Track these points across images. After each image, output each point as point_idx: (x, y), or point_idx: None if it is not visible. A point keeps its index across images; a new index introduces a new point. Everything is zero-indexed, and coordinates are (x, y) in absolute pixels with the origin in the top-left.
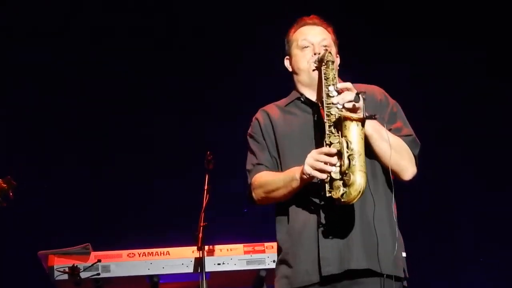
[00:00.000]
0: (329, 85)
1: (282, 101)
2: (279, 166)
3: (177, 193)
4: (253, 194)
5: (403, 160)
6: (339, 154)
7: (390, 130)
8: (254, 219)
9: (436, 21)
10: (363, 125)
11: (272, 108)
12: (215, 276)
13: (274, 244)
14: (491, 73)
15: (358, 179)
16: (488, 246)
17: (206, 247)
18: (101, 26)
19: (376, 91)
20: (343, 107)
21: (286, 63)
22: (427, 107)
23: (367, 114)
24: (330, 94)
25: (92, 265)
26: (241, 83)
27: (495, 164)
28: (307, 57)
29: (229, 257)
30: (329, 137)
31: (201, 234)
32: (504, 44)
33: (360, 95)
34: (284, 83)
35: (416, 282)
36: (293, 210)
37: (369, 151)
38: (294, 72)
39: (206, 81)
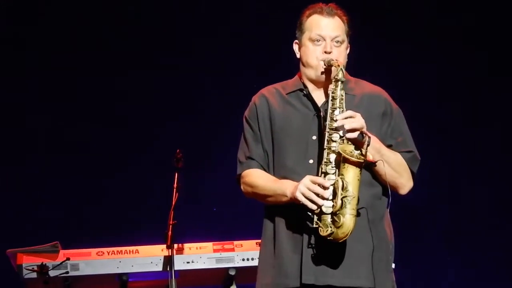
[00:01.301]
0: (335, 108)
1: (284, 86)
2: (271, 160)
3: (146, 191)
4: (242, 187)
5: (401, 178)
6: (333, 190)
7: (390, 146)
8: (223, 218)
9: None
10: (361, 168)
11: (272, 94)
12: (184, 274)
13: (244, 243)
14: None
15: (348, 222)
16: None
17: (175, 246)
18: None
19: (380, 98)
20: (345, 137)
21: (295, 47)
22: None
23: (367, 159)
24: (335, 118)
25: (61, 263)
26: (210, 80)
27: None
28: (317, 53)
29: (199, 255)
30: (326, 165)
31: (170, 232)
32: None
33: (364, 135)
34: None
35: None
36: (283, 213)
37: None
38: (301, 63)
39: (174, 79)
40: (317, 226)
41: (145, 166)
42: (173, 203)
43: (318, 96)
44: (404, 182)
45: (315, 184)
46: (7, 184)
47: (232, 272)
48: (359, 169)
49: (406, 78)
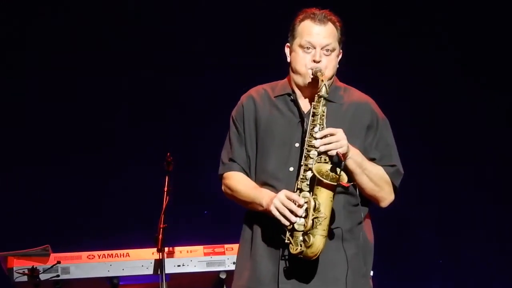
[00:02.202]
0: (315, 125)
1: (273, 87)
2: (252, 164)
3: (137, 195)
4: (222, 187)
5: (382, 192)
6: (307, 212)
7: (374, 159)
8: (214, 221)
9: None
10: (334, 190)
11: (261, 95)
12: (175, 278)
13: (234, 246)
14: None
15: (317, 243)
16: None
17: (166, 249)
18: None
19: (367, 110)
20: (324, 153)
21: (287, 51)
22: None
23: (340, 183)
24: (314, 135)
25: (52, 266)
26: (204, 85)
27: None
28: (306, 61)
29: (189, 258)
30: (302, 182)
31: (161, 235)
32: None
33: (340, 159)
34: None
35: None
36: (262, 219)
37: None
38: (291, 67)
39: (167, 83)
40: (288, 242)
41: (136, 169)
42: (164, 206)
43: (305, 102)
44: (385, 196)
45: (290, 200)
46: None
47: (223, 276)
48: (332, 191)
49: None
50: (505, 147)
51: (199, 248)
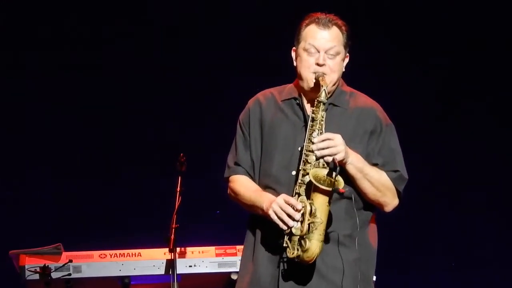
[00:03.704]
0: (314, 130)
1: (280, 91)
2: (257, 168)
3: (149, 195)
4: (228, 190)
5: (384, 197)
6: (303, 216)
7: (377, 164)
8: (226, 222)
9: None
10: (330, 196)
11: (268, 99)
12: (186, 278)
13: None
14: None
15: (313, 247)
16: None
17: (178, 249)
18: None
19: (371, 115)
20: (320, 158)
21: (293, 55)
22: None
23: (336, 188)
24: (313, 140)
25: (64, 265)
26: (217, 86)
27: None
28: (309, 63)
29: (201, 259)
30: (300, 187)
31: (173, 236)
32: None
33: (335, 165)
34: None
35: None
36: (265, 222)
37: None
38: (296, 71)
39: (179, 81)
40: (286, 246)
41: (149, 169)
42: (176, 206)
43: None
44: (388, 201)
45: (288, 204)
46: (10, 185)
47: (234, 277)
48: (328, 196)
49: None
50: None
51: (211, 249)
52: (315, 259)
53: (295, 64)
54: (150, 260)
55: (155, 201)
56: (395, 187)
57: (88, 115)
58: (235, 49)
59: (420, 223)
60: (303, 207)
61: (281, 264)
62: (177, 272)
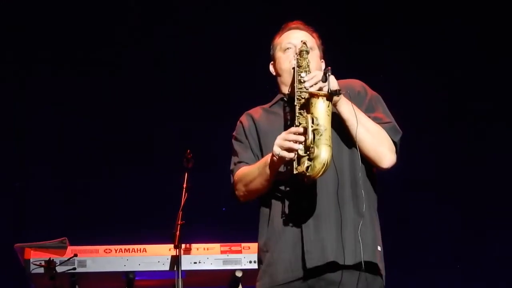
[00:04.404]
0: (301, 72)
1: (267, 104)
2: None
3: (155, 191)
4: (236, 192)
5: (381, 146)
6: (306, 130)
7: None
8: (232, 219)
9: None
10: (330, 100)
11: (257, 111)
12: (191, 274)
13: (251, 245)
14: None
15: (323, 152)
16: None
17: (183, 246)
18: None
19: (355, 84)
20: (313, 88)
21: (271, 68)
22: None
23: (332, 89)
24: (301, 80)
25: (69, 259)
26: (226, 83)
27: None
28: (290, 58)
29: (206, 256)
30: (298, 118)
31: (178, 232)
32: None
33: (326, 74)
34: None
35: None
36: (274, 211)
37: (348, 141)
38: (277, 74)
39: (185, 80)
40: (296, 172)
41: (155, 165)
42: (182, 203)
43: None
44: (385, 152)
45: (289, 133)
46: (15, 178)
47: (239, 274)
48: (327, 104)
49: None
50: None
51: (216, 246)
52: (328, 164)
53: (274, 73)
54: (155, 256)
55: (161, 197)
56: (390, 137)
57: (95, 110)
58: (242, 47)
59: (426, 224)
60: (304, 127)
61: (305, 241)
62: (182, 269)
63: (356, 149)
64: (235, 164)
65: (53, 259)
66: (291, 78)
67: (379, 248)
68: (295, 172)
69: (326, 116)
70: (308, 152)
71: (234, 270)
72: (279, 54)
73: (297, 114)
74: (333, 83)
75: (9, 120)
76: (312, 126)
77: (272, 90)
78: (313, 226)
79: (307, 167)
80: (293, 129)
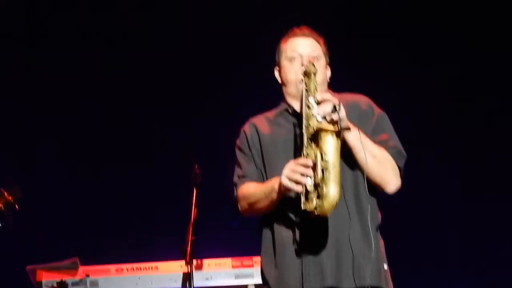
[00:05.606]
0: (309, 96)
1: (271, 112)
2: (264, 177)
3: (165, 207)
4: (239, 206)
5: (386, 172)
6: (315, 166)
7: (374, 142)
8: (242, 233)
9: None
10: (338, 137)
11: (260, 120)
12: None
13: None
14: None
15: (331, 191)
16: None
17: (194, 262)
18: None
19: (361, 100)
20: (323, 118)
21: (276, 73)
22: None
23: (342, 126)
24: (310, 106)
25: (80, 280)
26: (231, 95)
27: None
28: (295, 68)
29: (218, 271)
30: (307, 148)
31: (189, 248)
32: None
33: (337, 107)
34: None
35: None
36: (276, 228)
37: (352, 162)
38: (282, 83)
39: (192, 92)
40: (304, 208)
41: (164, 181)
42: (192, 219)
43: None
44: (391, 177)
45: (298, 165)
46: (25, 199)
47: None
48: (336, 139)
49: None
50: None
51: (227, 261)
52: (336, 203)
53: (279, 81)
54: (167, 273)
55: (170, 213)
56: (395, 162)
57: (105, 130)
58: (250, 62)
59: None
60: (314, 161)
61: (304, 264)
62: (194, 285)
63: (360, 173)
64: (238, 177)
65: (65, 281)
66: (296, 90)
67: (385, 266)
68: (303, 207)
69: (335, 152)
70: (316, 189)
71: (247, 285)
72: (284, 63)
73: (305, 144)
74: (343, 115)
75: (18, 135)
76: (321, 163)
77: (276, 94)
78: (313, 248)
79: (316, 206)
80: (301, 160)
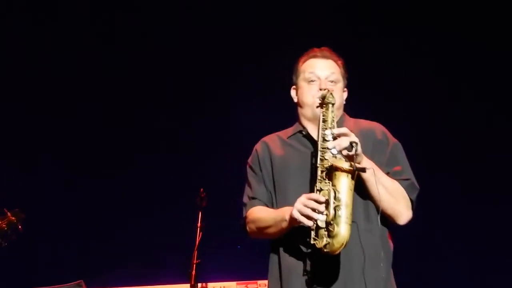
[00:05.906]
0: (326, 129)
1: (285, 132)
2: (274, 199)
3: (170, 230)
4: (247, 228)
5: (398, 205)
6: (327, 203)
7: (388, 173)
8: (247, 256)
9: None
10: (353, 177)
11: (273, 140)
12: None
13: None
14: None
15: (342, 231)
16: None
17: (199, 285)
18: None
19: (377, 129)
20: (338, 152)
21: (293, 93)
22: None
23: (358, 166)
24: (326, 138)
25: None
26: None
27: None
28: (313, 92)
29: None
30: (320, 182)
31: (194, 271)
32: None
33: (353, 145)
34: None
35: None
36: (284, 256)
37: (365, 194)
38: (298, 104)
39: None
40: (314, 242)
41: (169, 205)
42: (197, 242)
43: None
44: (402, 210)
45: (310, 200)
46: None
47: None
48: (351, 178)
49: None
50: None
51: (232, 284)
52: (346, 244)
53: (295, 100)
54: None
55: (176, 236)
56: (408, 195)
57: (108, 154)
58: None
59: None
60: (326, 198)
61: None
62: None
63: (372, 204)
64: (249, 199)
65: None
66: (312, 114)
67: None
68: (312, 242)
69: (349, 191)
70: (327, 227)
71: None
72: (302, 84)
73: (318, 177)
74: (359, 152)
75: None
76: (334, 202)
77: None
78: (322, 280)
79: (326, 244)
80: (314, 196)
